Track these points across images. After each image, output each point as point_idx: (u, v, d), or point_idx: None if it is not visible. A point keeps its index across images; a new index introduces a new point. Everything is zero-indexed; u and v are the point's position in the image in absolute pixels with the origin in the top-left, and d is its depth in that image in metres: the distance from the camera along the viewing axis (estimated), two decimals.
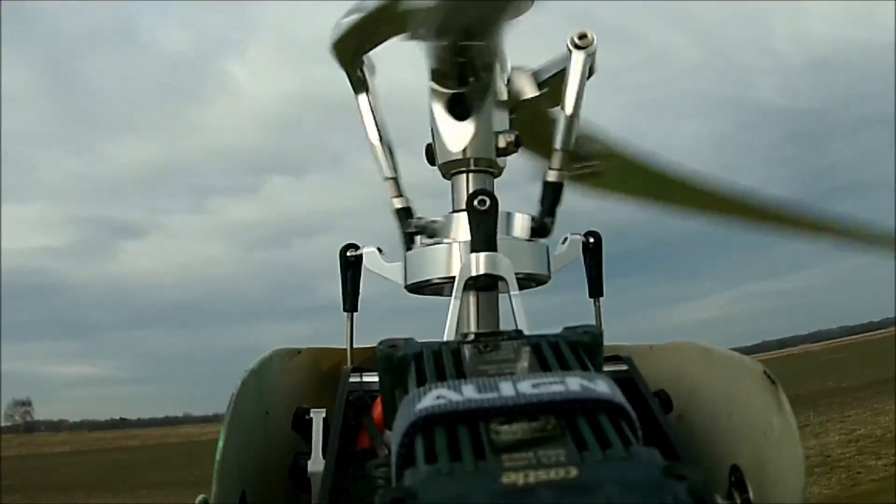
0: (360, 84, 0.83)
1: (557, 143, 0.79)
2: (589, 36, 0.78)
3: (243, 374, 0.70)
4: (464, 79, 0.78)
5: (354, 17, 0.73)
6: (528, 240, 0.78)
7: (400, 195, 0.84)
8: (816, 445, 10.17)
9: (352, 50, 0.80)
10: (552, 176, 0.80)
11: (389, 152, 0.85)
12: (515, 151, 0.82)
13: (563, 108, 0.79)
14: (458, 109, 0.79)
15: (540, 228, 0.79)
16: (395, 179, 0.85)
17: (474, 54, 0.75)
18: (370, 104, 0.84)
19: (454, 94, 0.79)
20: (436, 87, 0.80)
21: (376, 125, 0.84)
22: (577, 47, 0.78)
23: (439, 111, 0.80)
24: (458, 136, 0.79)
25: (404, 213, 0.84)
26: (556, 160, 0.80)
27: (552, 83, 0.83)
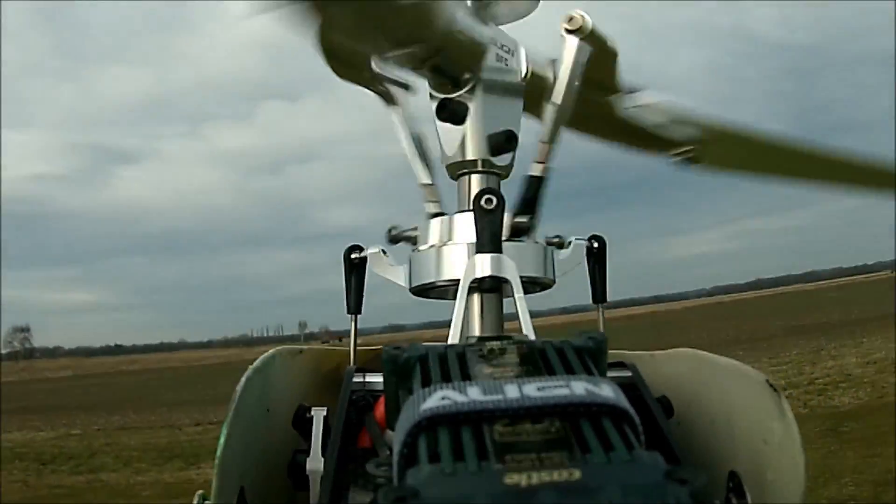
0: (387, 97, 0.82)
1: (544, 136, 0.77)
2: (576, 17, 0.75)
3: (247, 372, 0.71)
4: (456, 81, 0.78)
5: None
6: (535, 243, 0.78)
7: (434, 201, 0.82)
8: (836, 366, 10.44)
9: (355, 68, 0.79)
10: (536, 170, 0.78)
11: (425, 159, 0.83)
12: (512, 149, 0.81)
13: (551, 99, 0.77)
14: (445, 114, 0.79)
15: (519, 227, 0.76)
16: (431, 186, 0.83)
17: (451, 57, 0.75)
18: (401, 115, 0.83)
19: (442, 98, 0.79)
20: (432, 92, 0.80)
21: (410, 135, 0.83)
22: (568, 31, 0.76)
23: (438, 115, 0.80)
24: (452, 139, 0.80)
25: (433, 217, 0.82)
26: (541, 152, 0.78)
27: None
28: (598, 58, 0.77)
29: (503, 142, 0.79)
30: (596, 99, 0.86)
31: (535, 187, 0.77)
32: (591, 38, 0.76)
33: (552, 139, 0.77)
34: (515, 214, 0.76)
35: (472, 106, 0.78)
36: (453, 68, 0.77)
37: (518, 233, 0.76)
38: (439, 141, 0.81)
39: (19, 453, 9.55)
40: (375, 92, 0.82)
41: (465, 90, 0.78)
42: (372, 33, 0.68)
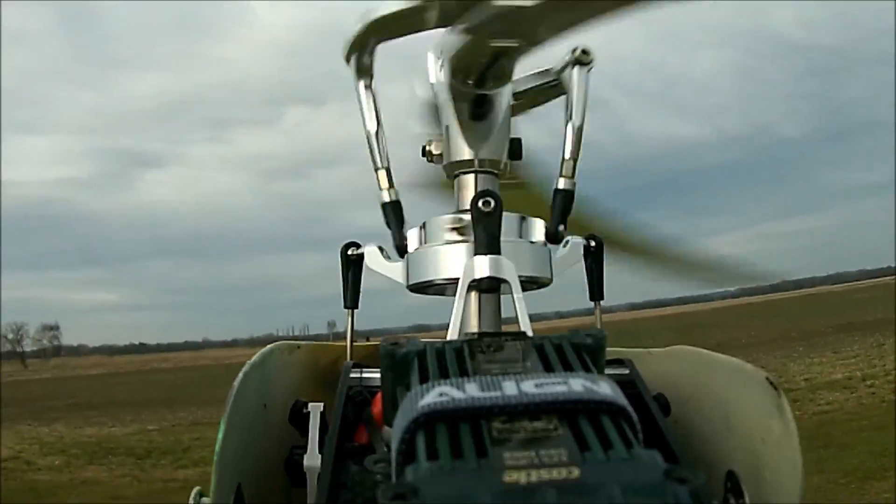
0: (364, 70, 0.81)
1: (567, 153, 0.80)
2: (591, 54, 0.81)
3: (244, 367, 0.70)
4: (484, 79, 0.77)
5: (385, 10, 0.71)
6: (531, 242, 0.78)
7: (391, 187, 0.82)
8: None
9: (366, 38, 0.77)
10: (563, 184, 0.81)
11: (384, 142, 0.83)
12: (521, 158, 0.84)
13: (571, 120, 0.80)
14: (480, 110, 0.79)
15: (553, 236, 0.80)
16: (388, 170, 0.83)
17: (509, 55, 0.74)
18: (371, 91, 0.82)
19: (478, 94, 0.78)
20: (457, 85, 0.78)
21: (375, 113, 0.82)
22: (580, 63, 0.81)
23: (459, 110, 0.79)
24: (474, 137, 0.80)
25: (392, 207, 0.82)
26: (566, 168, 0.80)
27: (525, 96, 0.86)
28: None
29: (520, 148, 0.83)
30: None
31: (567, 200, 0.80)
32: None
33: (574, 155, 0.80)
34: (556, 225, 0.80)
35: (502, 106, 0.80)
36: (503, 65, 0.76)
37: (558, 240, 0.80)
38: (454, 137, 0.81)
39: (108, 448, 9.56)
40: (356, 61, 0.80)
41: (496, 89, 0.79)
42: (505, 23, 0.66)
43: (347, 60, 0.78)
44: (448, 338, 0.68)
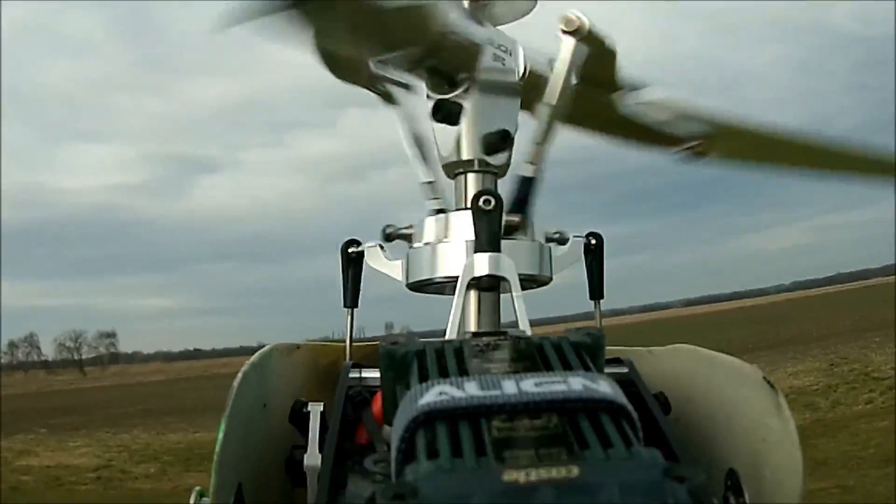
0: (385, 97, 0.83)
1: (538, 137, 0.77)
2: (573, 18, 0.75)
3: (243, 367, 0.71)
4: (451, 81, 0.78)
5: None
6: (533, 241, 0.78)
7: (436, 198, 0.83)
8: None
9: (353, 70, 0.80)
10: (527, 170, 0.78)
11: (424, 157, 0.83)
12: (507, 148, 0.81)
13: (545, 99, 0.77)
14: (440, 114, 0.79)
15: (510, 225, 0.76)
16: (432, 184, 0.83)
17: (445, 58, 0.75)
18: (401, 114, 0.83)
19: (437, 99, 0.79)
20: (429, 93, 0.80)
21: (410, 133, 0.83)
22: (565, 32, 0.76)
23: (433, 116, 0.80)
24: (448, 138, 0.80)
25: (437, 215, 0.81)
26: (533, 154, 0.78)
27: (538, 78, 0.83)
28: (598, 56, 0.78)
29: (498, 141, 0.80)
30: (598, 97, 0.86)
31: (526, 187, 0.77)
32: (588, 39, 0.76)
33: (545, 140, 0.77)
34: (507, 213, 0.76)
35: (467, 106, 0.78)
36: (448, 69, 0.77)
37: (509, 231, 0.76)
38: (435, 141, 0.81)
39: (201, 454, 9.03)
40: (374, 92, 0.83)
41: (460, 90, 0.78)
42: (365, 38, 0.68)
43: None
44: (447, 335, 0.69)
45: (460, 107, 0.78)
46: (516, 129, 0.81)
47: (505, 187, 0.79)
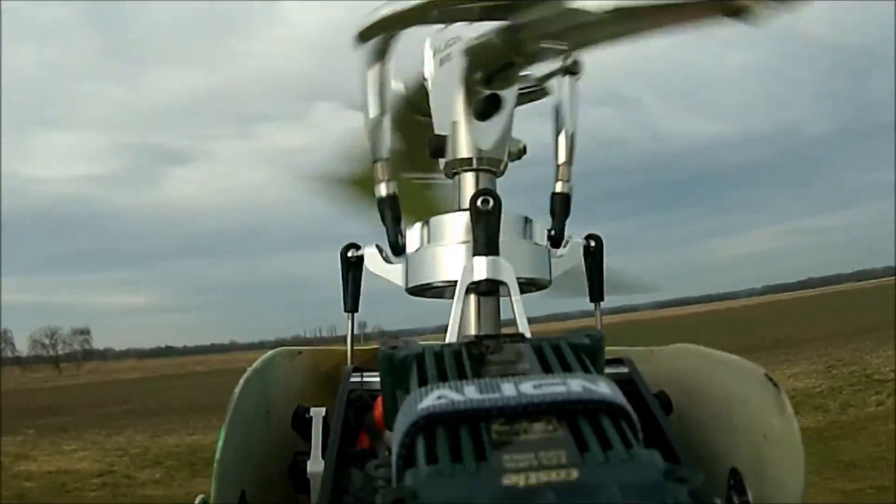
0: (379, 55, 0.79)
1: (562, 157, 0.82)
2: (580, 64, 0.82)
3: (245, 373, 0.71)
4: (492, 77, 0.77)
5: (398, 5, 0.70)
6: (531, 243, 0.78)
7: (389, 180, 0.80)
8: None
9: (390, 24, 0.75)
10: (560, 187, 0.82)
11: (385, 133, 0.81)
12: (520, 157, 0.85)
13: (565, 127, 0.82)
14: (490, 109, 0.79)
15: (556, 240, 0.81)
16: (386, 162, 0.81)
17: (542, 57, 0.75)
18: (381, 76, 0.80)
19: (491, 94, 0.79)
20: (469, 82, 0.78)
21: (381, 101, 0.80)
22: (571, 73, 0.82)
23: (469, 108, 0.79)
24: (482, 136, 0.79)
25: (389, 202, 0.80)
26: (563, 172, 0.82)
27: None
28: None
29: (523, 149, 0.84)
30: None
31: (565, 203, 0.82)
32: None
33: (570, 159, 0.82)
34: (560, 230, 0.81)
35: (510, 106, 0.80)
36: (515, 66, 0.76)
37: (558, 244, 0.81)
38: (460, 135, 0.79)
39: (204, 458, 8.83)
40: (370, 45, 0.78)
41: (506, 88, 0.79)
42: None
43: (363, 40, 0.76)
44: (446, 339, 0.68)
45: (502, 105, 0.80)
46: (511, 119, 0.81)
47: (504, 186, 0.80)
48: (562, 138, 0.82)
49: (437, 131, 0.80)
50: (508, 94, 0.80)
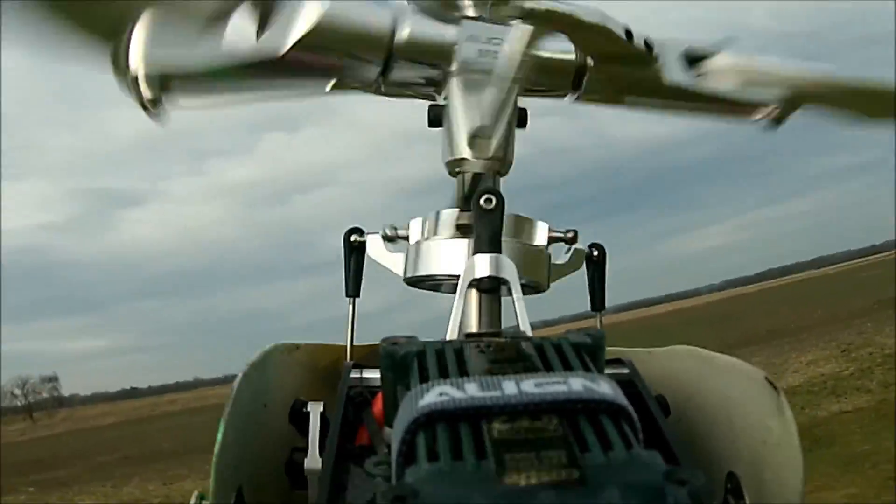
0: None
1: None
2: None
3: (244, 368, 0.71)
4: (433, 83, 0.79)
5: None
6: (532, 246, 0.78)
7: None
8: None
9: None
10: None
11: None
12: (488, 138, 0.81)
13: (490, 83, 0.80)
14: (430, 119, 0.80)
15: (566, 240, 0.82)
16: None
17: (407, 65, 0.76)
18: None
19: (430, 105, 0.80)
20: (416, 97, 0.81)
21: None
22: (518, 18, 0.79)
23: (468, 107, 0.79)
24: (444, 138, 0.80)
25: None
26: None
27: None
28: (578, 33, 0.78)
29: (477, 135, 0.80)
30: (633, 74, 0.85)
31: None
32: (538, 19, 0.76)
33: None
34: (565, 231, 0.82)
35: (456, 105, 0.78)
36: (421, 76, 0.79)
37: (571, 241, 0.83)
38: (458, 132, 0.79)
39: None
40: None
41: (443, 92, 0.79)
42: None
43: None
44: (447, 337, 0.69)
45: (441, 108, 0.79)
46: (516, 120, 0.81)
47: (507, 186, 0.80)
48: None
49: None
50: (449, 99, 0.79)
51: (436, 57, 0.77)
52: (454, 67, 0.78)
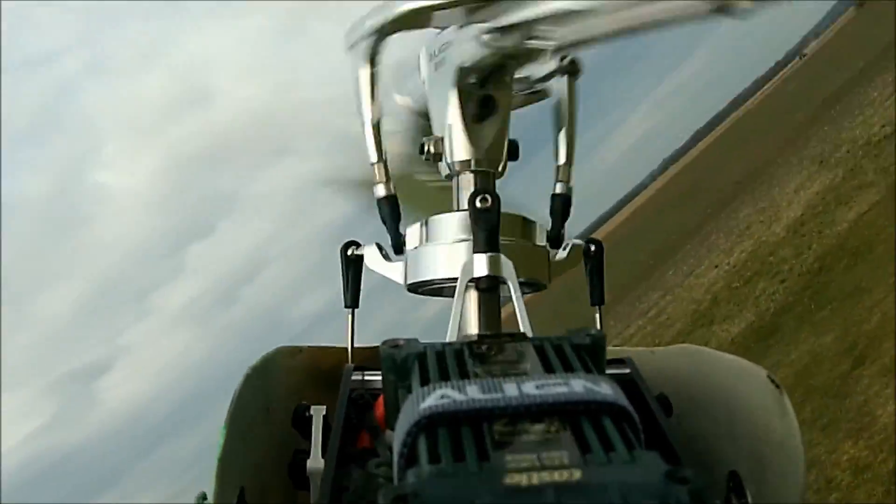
0: (372, 58, 0.80)
1: (562, 158, 0.84)
2: (579, 64, 0.85)
3: (246, 371, 0.71)
4: (488, 79, 0.78)
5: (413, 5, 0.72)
6: (531, 244, 0.78)
7: (388, 181, 0.81)
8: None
9: (385, 29, 0.77)
10: (560, 188, 0.84)
11: (378, 137, 0.82)
12: (516, 158, 0.83)
13: (565, 127, 0.85)
14: (485, 111, 0.79)
15: (555, 240, 0.82)
16: (384, 164, 0.82)
17: (533, 58, 0.75)
18: (373, 77, 0.80)
19: (484, 95, 0.79)
20: (463, 85, 0.79)
21: (374, 103, 0.81)
22: (569, 73, 0.85)
23: (464, 110, 0.79)
24: (476, 137, 0.79)
25: (389, 203, 0.81)
26: (563, 173, 0.84)
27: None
28: None
29: (516, 150, 0.83)
30: None
31: (565, 204, 0.84)
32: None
33: (569, 160, 0.85)
34: (557, 230, 0.83)
35: (505, 106, 0.80)
36: (511, 68, 0.80)
37: (557, 245, 0.82)
38: (457, 138, 0.80)
39: None
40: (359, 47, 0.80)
41: (501, 89, 0.80)
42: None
43: (352, 46, 0.79)
44: (447, 337, 0.68)
45: (497, 106, 0.80)
46: (508, 122, 0.81)
47: (503, 188, 0.79)
48: (562, 138, 0.85)
49: (435, 132, 0.81)
50: (502, 96, 0.80)
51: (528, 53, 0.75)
52: (450, 73, 0.78)
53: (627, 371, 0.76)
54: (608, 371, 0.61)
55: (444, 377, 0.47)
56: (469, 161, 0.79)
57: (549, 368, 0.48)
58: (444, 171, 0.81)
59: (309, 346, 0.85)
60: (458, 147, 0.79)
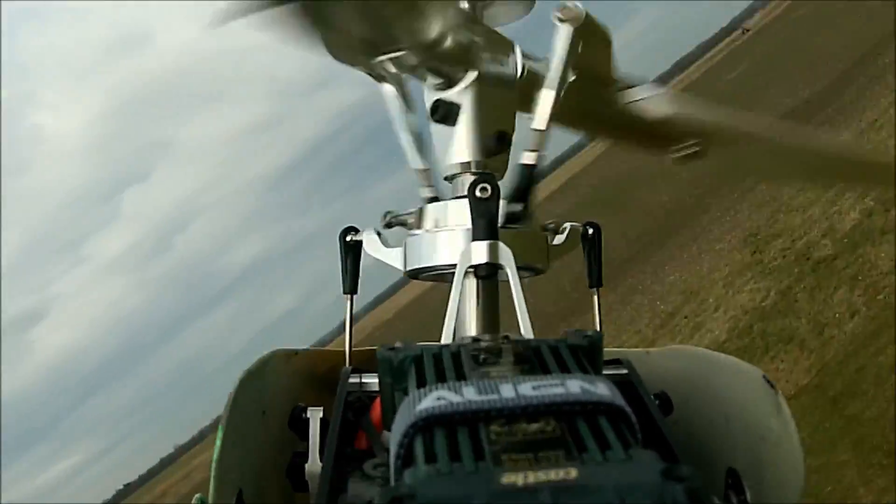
0: (381, 79, 0.80)
1: (537, 123, 0.77)
2: (570, 7, 0.76)
3: (241, 374, 0.70)
4: (451, 81, 0.77)
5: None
6: (530, 230, 0.77)
7: (429, 185, 0.82)
8: None
9: (352, 51, 0.77)
10: (528, 158, 0.78)
11: (419, 143, 0.82)
12: (504, 150, 0.80)
13: (544, 86, 0.77)
14: (438, 115, 0.78)
15: (513, 215, 0.76)
16: (426, 171, 0.82)
17: (441, 57, 0.75)
18: (396, 97, 0.81)
19: (436, 99, 0.78)
20: (427, 91, 0.79)
21: (405, 119, 0.81)
22: (561, 21, 0.77)
23: (431, 115, 0.79)
24: (445, 140, 0.79)
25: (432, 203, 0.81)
26: (535, 140, 0.77)
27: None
28: (592, 47, 0.78)
29: (495, 143, 0.79)
30: (593, 92, 0.85)
31: (527, 176, 0.77)
32: (584, 27, 0.76)
33: (546, 125, 0.77)
34: (509, 202, 0.76)
35: (465, 106, 0.77)
36: (447, 69, 0.77)
37: (513, 220, 0.76)
38: (435, 141, 0.80)
39: None
40: (371, 75, 0.80)
41: (458, 90, 0.78)
42: (367, 34, 0.70)
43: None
44: (446, 322, 0.69)
45: (458, 107, 0.77)
46: (513, 131, 0.80)
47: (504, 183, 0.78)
48: (544, 98, 0.77)
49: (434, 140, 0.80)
50: (465, 98, 0.77)
51: (464, 54, 0.76)
52: (475, 69, 0.77)
53: (624, 371, 0.75)
54: (605, 372, 0.60)
55: (441, 379, 0.46)
56: (469, 163, 0.78)
57: (545, 369, 0.47)
58: (444, 171, 0.80)
59: (305, 349, 0.84)
60: (453, 149, 0.78)
